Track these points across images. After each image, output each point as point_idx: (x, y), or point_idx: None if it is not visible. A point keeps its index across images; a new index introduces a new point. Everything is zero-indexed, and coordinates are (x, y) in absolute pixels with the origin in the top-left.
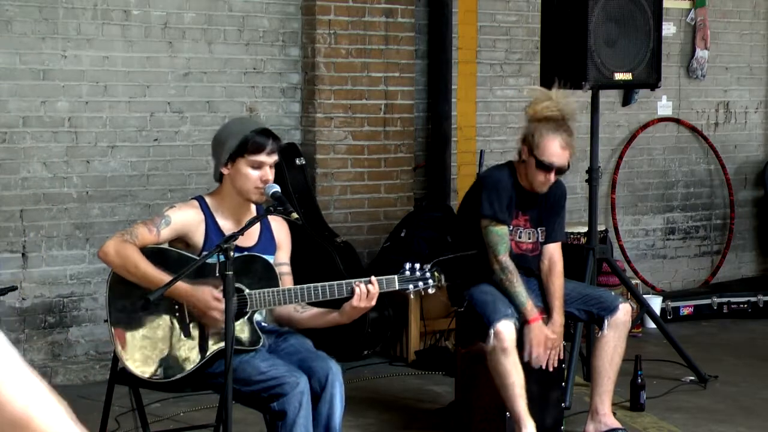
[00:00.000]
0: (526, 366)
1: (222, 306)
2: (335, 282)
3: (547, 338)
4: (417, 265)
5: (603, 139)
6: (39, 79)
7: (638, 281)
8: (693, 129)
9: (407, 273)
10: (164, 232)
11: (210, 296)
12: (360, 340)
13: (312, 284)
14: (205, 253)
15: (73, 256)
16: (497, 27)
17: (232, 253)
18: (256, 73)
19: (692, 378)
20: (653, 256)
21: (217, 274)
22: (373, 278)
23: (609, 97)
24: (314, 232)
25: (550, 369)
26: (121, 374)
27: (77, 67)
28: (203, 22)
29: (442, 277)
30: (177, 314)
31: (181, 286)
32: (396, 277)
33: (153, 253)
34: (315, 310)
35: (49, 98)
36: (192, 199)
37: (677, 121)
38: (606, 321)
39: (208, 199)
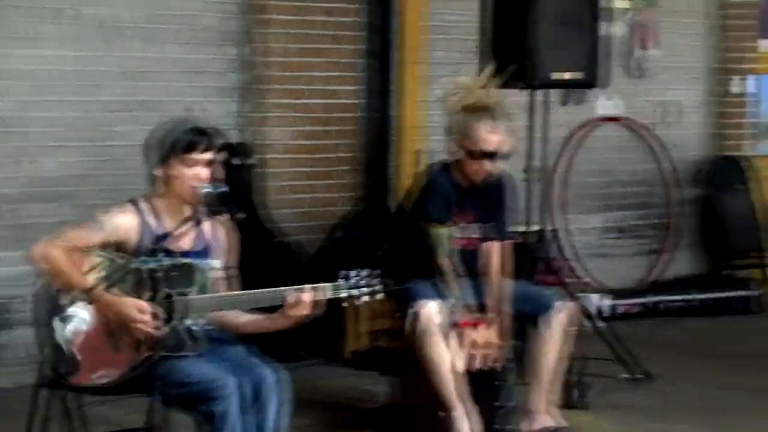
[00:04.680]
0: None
1: (147, 317)
2: (268, 290)
3: (481, 343)
4: (353, 272)
5: (543, 138)
6: None
7: (576, 280)
8: (633, 128)
9: (341, 281)
10: (96, 236)
11: (134, 308)
12: (296, 341)
13: (245, 292)
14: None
15: (13, 257)
16: (440, 27)
17: (161, 257)
18: (197, 72)
19: (628, 376)
20: (593, 254)
21: (145, 279)
22: (306, 286)
23: (550, 96)
24: (252, 232)
25: (486, 368)
26: (47, 378)
27: (14, 66)
28: (143, 21)
29: (378, 284)
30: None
31: (104, 296)
32: (329, 285)
33: (83, 258)
34: (252, 316)
35: None
36: (126, 202)
37: (617, 120)
38: (543, 320)
39: (143, 202)
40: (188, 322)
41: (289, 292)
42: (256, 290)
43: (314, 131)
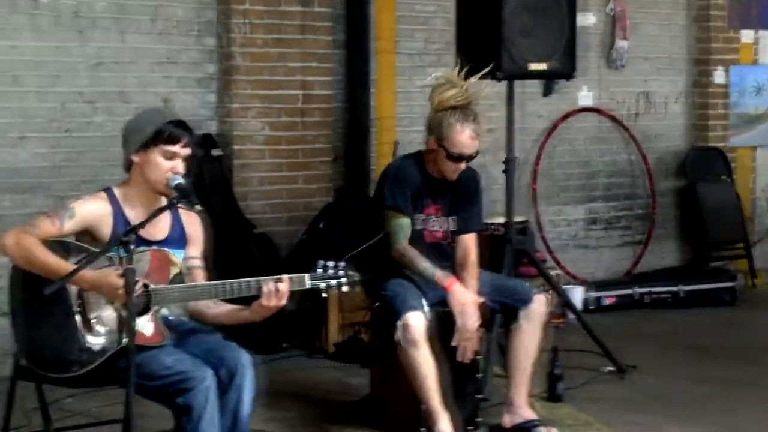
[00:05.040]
0: (444, 357)
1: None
2: (244, 279)
3: (470, 302)
4: (330, 263)
5: (524, 129)
6: None
7: (560, 272)
8: (614, 119)
9: (319, 271)
10: (68, 224)
11: (116, 279)
12: (278, 333)
13: (220, 281)
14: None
15: None
16: (416, 17)
17: (132, 247)
18: (170, 63)
19: (611, 368)
20: (576, 246)
21: (117, 267)
22: (284, 276)
23: (529, 87)
24: (231, 223)
25: (466, 361)
26: (23, 370)
27: None
28: (115, 11)
29: (356, 274)
30: (80, 308)
31: (86, 274)
32: (307, 275)
33: (55, 246)
34: (227, 306)
35: None
36: (100, 190)
37: (598, 111)
38: (521, 312)
39: (116, 191)
40: (165, 312)
41: (267, 282)
42: (232, 280)
43: (291, 122)
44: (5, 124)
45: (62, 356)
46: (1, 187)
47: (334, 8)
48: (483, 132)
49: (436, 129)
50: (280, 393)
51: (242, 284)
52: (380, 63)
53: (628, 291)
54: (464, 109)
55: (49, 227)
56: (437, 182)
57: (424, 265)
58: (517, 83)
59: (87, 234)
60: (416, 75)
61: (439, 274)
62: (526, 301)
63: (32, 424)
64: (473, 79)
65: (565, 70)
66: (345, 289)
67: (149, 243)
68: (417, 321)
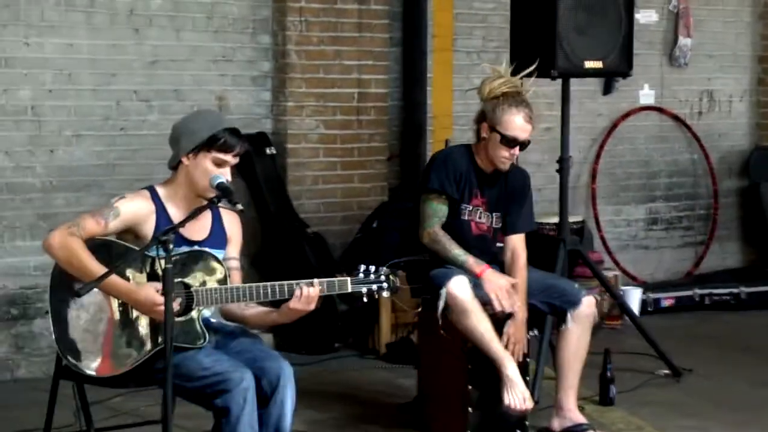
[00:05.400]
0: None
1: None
2: (285, 282)
3: (504, 286)
4: (372, 268)
5: (583, 128)
6: (0, 67)
7: (618, 273)
8: (676, 118)
9: (361, 275)
10: (112, 223)
11: (154, 296)
12: (331, 333)
13: (260, 284)
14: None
15: (37, 247)
16: (474, 14)
17: (171, 246)
18: (225, 61)
19: (666, 371)
20: (635, 246)
21: (156, 267)
22: (315, 281)
23: (589, 86)
24: (284, 222)
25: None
26: (65, 369)
27: (40, 54)
28: (170, 9)
29: (397, 280)
30: (122, 308)
31: (122, 285)
32: (349, 279)
33: (99, 246)
34: (258, 308)
35: (11, 86)
36: (143, 188)
37: (660, 110)
38: (569, 314)
39: (160, 189)
40: (207, 313)
41: (299, 285)
42: (272, 282)
43: (346, 120)
44: (60, 122)
45: (102, 355)
46: (56, 185)
47: (390, 6)
48: (536, 118)
49: (489, 114)
50: (327, 394)
51: (276, 287)
52: (437, 61)
53: (688, 292)
54: (516, 96)
55: (93, 226)
56: (486, 175)
57: (456, 251)
58: (576, 81)
59: (130, 232)
60: (473, 73)
61: (471, 261)
62: (574, 302)
63: (81, 423)
64: (526, 77)
65: (621, 68)
66: (385, 294)
67: (190, 243)
68: (460, 286)
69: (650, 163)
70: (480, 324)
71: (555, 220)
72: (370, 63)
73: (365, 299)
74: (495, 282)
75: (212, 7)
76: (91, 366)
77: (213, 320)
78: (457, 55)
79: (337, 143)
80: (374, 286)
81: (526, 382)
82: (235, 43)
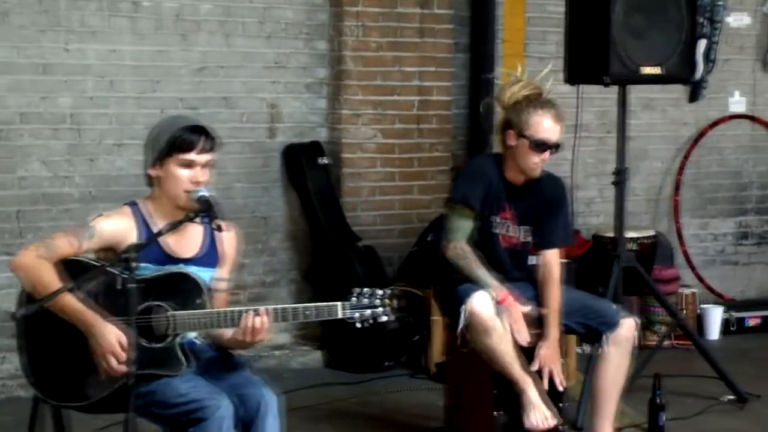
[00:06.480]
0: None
1: (122, 355)
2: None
3: (523, 316)
4: (367, 290)
5: (667, 137)
6: (39, 74)
7: (696, 290)
8: None
9: (354, 299)
10: (87, 244)
11: (115, 340)
12: (379, 351)
13: (241, 308)
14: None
15: None
16: (548, 18)
17: (135, 265)
18: (278, 67)
19: (731, 397)
20: (723, 262)
21: (119, 287)
22: (261, 308)
23: (674, 93)
24: (334, 235)
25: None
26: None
27: (81, 61)
28: (220, 14)
29: (395, 301)
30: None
31: (86, 313)
32: (339, 304)
33: (70, 265)
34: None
35: (50, 94)
36: (125, 204)
37: (752, 118)
38: (606, 336)
39: (142, 204)
40: (191, 335)
41: (246, 315)
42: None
43: (406, 129)
44: (102, 130)
45: (77, 384)
46: (96, 194)
47: (455, 9)
48: (564, 118)
49: (515, 121)
50: (363, 415)
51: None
52: (507, 67)
53: None
54: (539, 98)
55: (66, 248)
56: (515, 187)
57: (480, 272)
58: (659, 88)
59: (112, 251)
60: (547, 81)
61: (495, 284)
62: (611, 325)
63: None
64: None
65: (683, 74)
66: (384, 319)
67: (176, 260)
68: (481, 304)
69: (741, 175)
70: (500, 344)
71: (629, 234)
72: (432, 69)
73: (359, 325)
74: (513, 313)
75: (265, 11)
76: (60, 393)
77: (198, 341)
78: (529, 61)
79: (396, 153)
80: (368, 312)
81: (559, 409)
82: (289, 48)
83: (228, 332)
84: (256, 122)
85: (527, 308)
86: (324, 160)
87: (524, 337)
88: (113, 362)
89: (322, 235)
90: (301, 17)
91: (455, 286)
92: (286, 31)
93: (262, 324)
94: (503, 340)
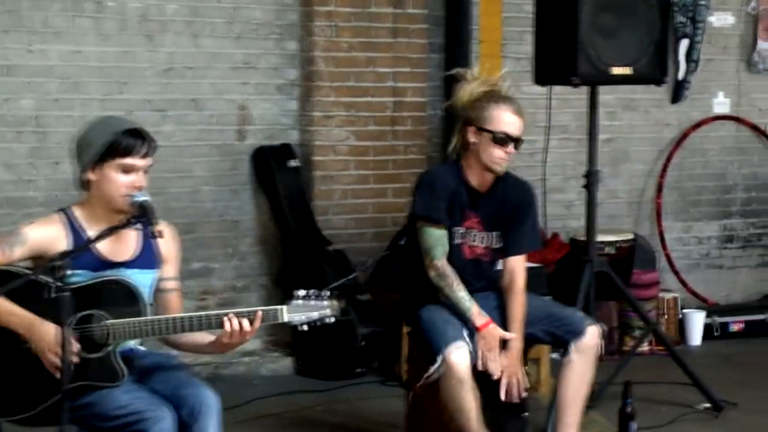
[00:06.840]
0: (487, 388)
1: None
2: (206, 313)
3: (495, 350)
4: (312, 292)
5: (649, 139)
6: (1, 75)
7: (677, 295)
8: (755, 128)
9: (299, 302)
10: (17, 251)
11: (54, 338)
12: (351, 357)
13: (185, 315)
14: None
15: None
16: (524, 18)
17: (64, 272)
18: (248, 68)
19: (707, 405)
20: (707, 266)
21: (52, 295)
22: (243, 311)
23: (656, 94)
24: (304, 239)
25: (513, 400)
26: None
27: (44, 62)
28: (187, 14)
29: (341, 305)
30: (28, 345)
31: (24, 315)
32: (285, 308)
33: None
34: (192, 336)
35: (13, 95)
36: (57, 211)
37: (736, 119)
38: (572, 345)
39: (76, 211)
40: (130, 343)
41: (231, 318)
42: (193, 314)
43: (380, 131)
44: (67, 133)
45: (15, 395)
46: (62, 198)
47: (429, 9)
48: (524, 112)
49: (474, 117)
50: (328, 424)
51: (208, 319)
52: (483, 68)
53: (760, 316)
54: (496, 92)
55: None
56: (478, 193)
57: (461, 294)
58: (642, 89)
59: (42, 259)
60: (524, 81)
61: (475, 311)
62: (577, 333)
63: None
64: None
65: (654, 75)
66: (330, 321)
67: (112, 265)
68: (460, 357)
69: (725, 177)
70: (467, 398)
71: (607, 237)
72: (406, 70)
73: (304, 328)
74: (490, 341)
75: (234, 11)
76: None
77: (141, 348)
78: (506, 61)
79: (370, 155)
80: (315, 314)
81: (524, 419)
82: (259, 49)
83: (199, 337)
84: (225, 124)
85: (508, 335)
86: (294, 163)
87: (495, 368)
88: (52, 357)
89: (291, 240)
90: (270, 17)
91: (419, 307)
92: (255, 31)
93: (248, 326)
94: (471, 396)
